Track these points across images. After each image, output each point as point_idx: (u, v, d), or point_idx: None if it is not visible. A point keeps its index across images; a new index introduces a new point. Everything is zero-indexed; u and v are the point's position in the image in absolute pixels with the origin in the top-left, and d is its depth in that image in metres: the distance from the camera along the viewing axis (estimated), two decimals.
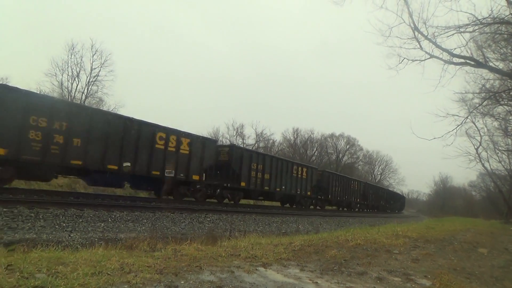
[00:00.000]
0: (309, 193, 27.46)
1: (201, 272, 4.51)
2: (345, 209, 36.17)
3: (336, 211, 32.35)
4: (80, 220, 10.33)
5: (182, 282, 3.95)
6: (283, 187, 24.25)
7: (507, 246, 11.70)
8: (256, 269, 5.03)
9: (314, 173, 28.34)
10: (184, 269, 4.55)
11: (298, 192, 26.11)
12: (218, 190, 19.75)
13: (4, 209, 9.35)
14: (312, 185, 27.88)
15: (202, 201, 18.71)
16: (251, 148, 41.03)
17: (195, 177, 17.62)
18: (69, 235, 9.07)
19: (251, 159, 21.36)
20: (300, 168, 26.45)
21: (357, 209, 39.09)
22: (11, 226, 8.73)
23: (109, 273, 3.94)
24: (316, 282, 4.70)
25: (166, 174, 15.93)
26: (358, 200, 38.53)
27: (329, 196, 31.36)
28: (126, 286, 3.56)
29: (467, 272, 6.59)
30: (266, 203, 26.83)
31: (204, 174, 18.42)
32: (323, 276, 5.14)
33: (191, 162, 17.26)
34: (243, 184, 20.72)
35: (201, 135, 18.07)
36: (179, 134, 16.86)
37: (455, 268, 6.79)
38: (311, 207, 30.18)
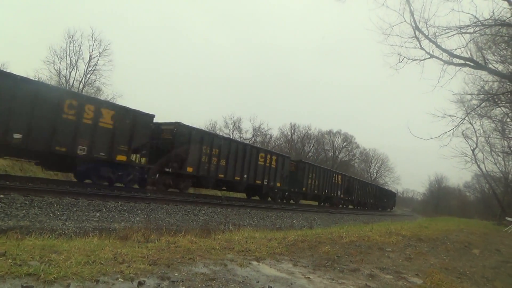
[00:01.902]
0: (278, 184, 24.27)
1: (194, 264, 4.52)
2: (326, 204, 33.35)
3: (309, 206, 28.94)
4: (75, 209, 10.33)
5: (175, 274, 3.96)
6: (245, 176, 21.03)
7: (499, 247, 11.79)
8: (249, 263, 5.05)
9: (286, 163, 25.32)
10: (177, 260, 4.56)
11: (266, 183, 22.84)
12: (157, 176, 17.01)
13: (1, 196, 9.33)
14: (283, 175, 24.81)
15: (139, 188, 16.45)
16: (248, 142, 40.93)
17: (121, 158, 14.58)
18: (64, 224, 9.06)
19: (203, 141, 18.12)
20: (268, 156, 23.32)
21: (340, 206, 36.32)
22: (6, 212, 8.71)
23: (102, 262, 3.95)
24: (309, 278, 4.73)
25: (78, 152, 13.14)
26: (341, 195, 35.24)
27: (304, 189, 27.92)
28: (119, 276, 3.57)
29: (459, 272, 6.64)
30: (235, 195, 24.51)
31: (136, 155, 15.87)
32: (315, 271, 5.17)
33: (116, 139, 14.31)
34: (189, 169, 17.52)
35: (133, 108, 15.11)
36: (99, 104, 14.32)
37: (447, 267, 6.84)
38: (284, 200, 27.14)
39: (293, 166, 27.29)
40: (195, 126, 19.08)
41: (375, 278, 5.22)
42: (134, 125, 14.94)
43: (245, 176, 21.14)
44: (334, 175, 33.77)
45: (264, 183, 22.82)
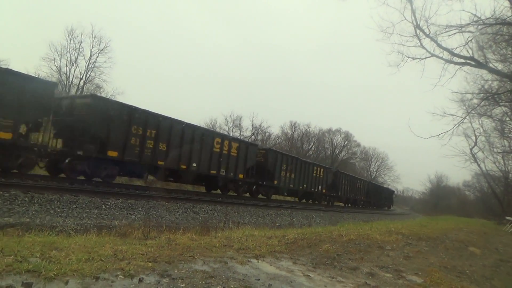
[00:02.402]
0: (241, 175, 20.61)
1: (194, 262, 4.53)
2: (303, 200, 30.14)
3: (277, 202, 24.92)
4: (75, 206, 10.33)
5: (175, 271, 3.97)
6: (194, 165, 17.40)
7: (498, 247, 11.82)
8: (249, 261, 5.05)
9: (251, 151, 21.52)
10: (177, 258, 4.57)
11: (222, 173, 19.23)
12: (68, 160, 13.55)
13: (1, 192, 9.34)
14: (247, 165, 21.14)
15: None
16: (249, 140, 40.72)
17: (4, 135, 11.39)
18: (64, 221, 9.07)
19: (131, 120, 14.61)
20: (226, 142, 19.64)
21: (325, 202, 32.32)
22: (5, 209, 8.72)
23: (102, 259, 3.96)
24: (308, 275, 4.74)
25: None
26: (323, 190, 30.64)
27: (276, 182, 23.85)
28: (119, 273, 3.58)
29: (458, 271, 6.66)
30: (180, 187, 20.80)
31: (40, 134, 13.07)
32: (315, 269, 5.18)
33: None
34: (112, 153, 14.06)
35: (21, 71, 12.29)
36: None
37: (446, 266, 6.86)
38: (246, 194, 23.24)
39: (261, 155, 23.54)
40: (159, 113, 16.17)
41: (374, 277, 5.23)
42: (22, 93, 11.69)
43: (194, 164, 17.52)
44: (312, 167, 29.24)
45: (221, 173, 19.19)
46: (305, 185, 27.69)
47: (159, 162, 15.92)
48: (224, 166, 19.32)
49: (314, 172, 29.12)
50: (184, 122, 17.13)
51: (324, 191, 30.99)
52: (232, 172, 19.92)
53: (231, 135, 44.15)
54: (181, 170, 17.18)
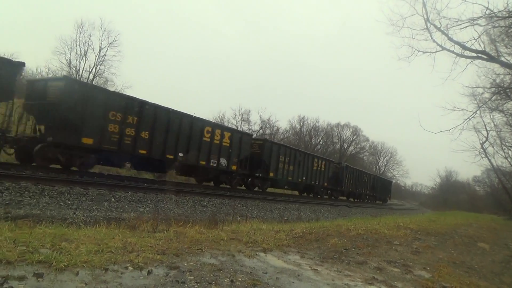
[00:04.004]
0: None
1: (202, 255, 4.57)
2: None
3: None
4: (84, 199, 10.44)
5: (184, 263, 4.00)
6: (180, 155, 16.44)
7: (508, 242, 11.70)
8: (257, 254, 5.08)
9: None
10: (185, 251, 4.61)
11: (213, 165, 18.21)
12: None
13: (13, 185, 9.48)
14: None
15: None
16: (255, 135, 40.71)
17: None
18: (74, 213, 9.18)
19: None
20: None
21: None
22: (16, 201, 8.85)
23: (112, 251, 4.01)
24: (316, 269, 4.74)
25: None
26: (325, 183, 29.51)
27: (271, 174, 22.53)
28: (128, 265, 3.62)
29: (467, 266, 6.62)
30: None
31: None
32: (323, 263, 5.19)
33: None
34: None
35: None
36: None
37: (455, 261, 6.82)
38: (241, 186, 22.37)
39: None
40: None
41: (382, 271, 5.22)
42: None
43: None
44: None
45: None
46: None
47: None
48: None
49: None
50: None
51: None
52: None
53: (239, 128, 44.15)
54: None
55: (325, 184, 29.82)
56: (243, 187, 22.35)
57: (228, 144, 18.96)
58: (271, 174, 22.65)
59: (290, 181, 25.20)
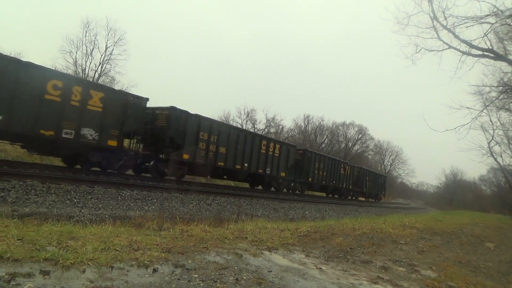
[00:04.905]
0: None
1: (207, 253, 4.57)
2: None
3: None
4: (90, 197, 10.50)
5: (189, 262, 4.01)
6: (246, 165, 19.90)
7: None
8: (262, 253, 5.08)
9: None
10: (191, 249, 4.62)
11: (268, 172, 21.61)
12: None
13: (20, 183, 9.56)
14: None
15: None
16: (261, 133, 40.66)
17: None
18: (80, 211, 9.24)
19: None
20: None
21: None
22: (24, 199, 8.92)
23: (117, 249, 4.02)
24: (321, 268, 4.74)
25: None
26: (350, 186, 32.74)
27: (309, 179, 26.22)
28: (134, 263, 3.63)
29: (473, 266, 6.58)
30: None
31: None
32: (328, 262, 5.18)
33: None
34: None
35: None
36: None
37: (461, 261, 6.78)
38: (289, 191, 25.78)
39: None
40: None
41: (388, 270, 5.20)
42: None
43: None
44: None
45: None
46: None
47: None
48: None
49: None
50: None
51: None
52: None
53: (244, 127, 44.14)
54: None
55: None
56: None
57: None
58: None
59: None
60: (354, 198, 35.94)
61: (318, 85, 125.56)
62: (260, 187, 23.76)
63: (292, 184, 25.78)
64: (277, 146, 22.50)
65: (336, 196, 32.43)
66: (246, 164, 19.94)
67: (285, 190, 25.17)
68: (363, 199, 39.00)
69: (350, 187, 33.59)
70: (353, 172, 33.77)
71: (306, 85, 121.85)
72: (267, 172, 21.50)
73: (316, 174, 26.91)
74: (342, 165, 31.98)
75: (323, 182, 28.19)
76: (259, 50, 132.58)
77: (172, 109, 16.40)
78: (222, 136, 18.57)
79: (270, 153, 21.67)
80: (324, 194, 31.63)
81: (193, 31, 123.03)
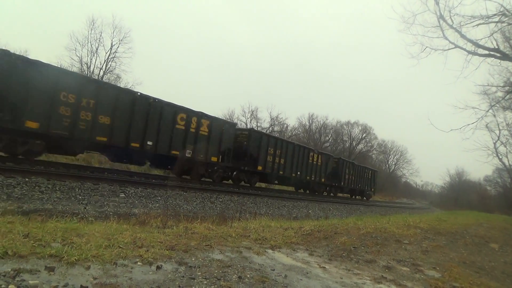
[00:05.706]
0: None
1: (211, 251, 4.58)
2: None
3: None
4: (94, 194, 10.56)
5: (193, 259, 4.02)
6: (298, 173, 24.54)
7: None
8: (265, 251, 5.08)
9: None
10: (194, 247, 4.63)
11: (188, 155, 16.80)
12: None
13: (25, 179, 9.62)
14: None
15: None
16: (266, 132, 40.56)
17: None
18: (85, 208, 9.29)
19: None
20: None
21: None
22: (29, 196, 8.98)
23: (121, 246, 4.04)
24: (324, 267, 4.74)
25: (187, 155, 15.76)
26: (322, 179, 27.55)
27: (259, 168, 21.14)
28: (138, 260, 3.65)
29: (477, 266, 6.54)
30: None
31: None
32: (331, 261, 5.17)
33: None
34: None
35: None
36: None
37: (465, 261, 6.75)
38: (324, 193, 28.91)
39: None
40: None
41: (391, 270, 5.19)
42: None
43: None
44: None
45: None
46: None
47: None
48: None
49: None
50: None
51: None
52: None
53: (249, 126, 43.95)
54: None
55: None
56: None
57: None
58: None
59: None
60: (332, 194, 31.07)
61: (323, 85, 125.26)
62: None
63: (235, 173, 20.90)
64: (205, 122, 17.43)
65: (307, 191, 27.76)
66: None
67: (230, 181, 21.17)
68: (341, 195, 33.42)
69: (323, 180, 27.85)
70: (326, 162, 27.78)
71: (310, 85, 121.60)
72: (186, 155, 16.62)
73: (269, 162, 21.66)
74: (311, 153, 26.09)
75: (281, 173, 22.81)
76: (265, 51, 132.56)
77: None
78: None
79: (192, 130, 16.81)
80: (293, 189, 27.94)
81: (199, 31, 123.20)
